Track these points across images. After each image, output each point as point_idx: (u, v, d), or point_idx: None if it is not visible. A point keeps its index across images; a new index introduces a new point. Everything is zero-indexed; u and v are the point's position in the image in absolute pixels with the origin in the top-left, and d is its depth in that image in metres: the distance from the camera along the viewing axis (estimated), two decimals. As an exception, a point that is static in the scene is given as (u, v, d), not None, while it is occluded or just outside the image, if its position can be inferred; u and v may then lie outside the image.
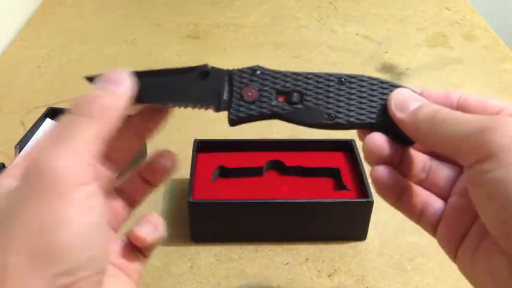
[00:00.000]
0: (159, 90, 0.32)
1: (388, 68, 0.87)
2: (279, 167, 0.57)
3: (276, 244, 0.55)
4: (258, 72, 0.32)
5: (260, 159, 0.57)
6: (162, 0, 1.07)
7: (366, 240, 0.56)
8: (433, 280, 0.52)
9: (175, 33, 0.96)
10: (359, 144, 0.60)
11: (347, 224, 0.54)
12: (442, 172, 0.34)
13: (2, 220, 0.24)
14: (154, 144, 0.69)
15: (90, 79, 0.31)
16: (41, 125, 0.60)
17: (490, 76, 0.85)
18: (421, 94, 0.33)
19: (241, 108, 0.32)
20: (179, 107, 0.33)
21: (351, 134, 0.72)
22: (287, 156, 0.58)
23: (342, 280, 0.52)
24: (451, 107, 0.32)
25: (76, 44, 0.92)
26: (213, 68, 0.32)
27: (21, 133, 0.59)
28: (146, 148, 0.66)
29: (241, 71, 0.32)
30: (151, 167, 0.34)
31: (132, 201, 0.34)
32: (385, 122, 0.32)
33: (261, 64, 0.33)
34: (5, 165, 0.55)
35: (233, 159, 0.57)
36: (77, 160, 0.25)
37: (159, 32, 0.96)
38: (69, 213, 0.24)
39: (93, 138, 0.26)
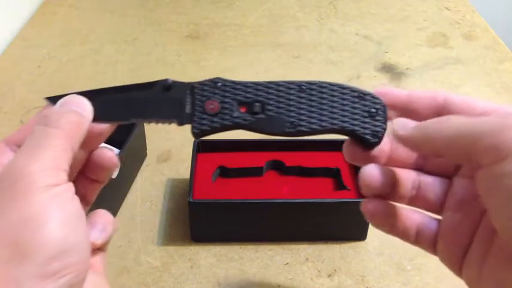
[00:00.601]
0: (121, 107, 0.32)
1: (388, 68, 0.87)
2: (279, 167, 0.57)
3: (276, 244, 0.55)
4: (219, 84, 0.32)
5: (260, 159, 0.57)
6: (162, 0, 1.07)
7: (366, 240, 0.56)
8: (433, 280, 0.52)
9: (175, 33, 0.96)
10: (359, 144, 0.60)
11: (347, 224, 0.54)
12: (432, 187, 0.33)
13: None
14: (154, 144, 0.69)
15: (52, 100, 0.32)
16: (41, 125, 0.60)
17: (490, 76, 0.85)
18: (408, 95, 0.32)
19: (204, 121, 0.32)
20: (143, 123, 0.33)
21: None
22: (287, 156, 0.58)
23: (342, 280, 0.52)
24: (438, 107, 0.31)
25: (76, 44, 0.92)
26: (174, 81, 0.33)
27: (21, 133, 0.59)
28: (146, 148, 0.66)
29: (202, 83, 0.33)
30: (94, 165, 0.34)
31: (86, 201, 0.35)
32: (348, 127, 0.32)
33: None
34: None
35: (233, 159, 0.57)
36: (48, 164, 0.27)
37: (159, 32, 0.96)
38: (44, 208, 0.26)
39: (63, 147, 0.28)
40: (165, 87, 0.33)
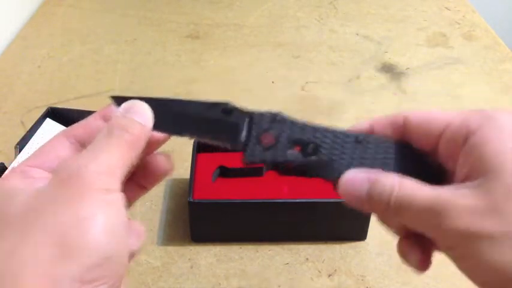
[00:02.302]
0: (178, 121, 0.32)
1: (388, 68, 0.87)
2: (279, 167, 0.57)
3: (276, 244, 0.55)
4: (278, 118, 0.32)
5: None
6: (162, 0, 1.07)
7: (366, 240, 0.56)
8: (433, 280, 0.52)
9: (175, 33, 0.96)
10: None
11: (347, 224, 0.54)
12: None
13: (32, 216, 0.25)
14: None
15: (116, 100, 0.31)
16: (41, 125, 0.60)
17: (490, 76, 0.85)
18: (370, 125, 0.32)
19: (256, 152, 0.32)
20: (194, 139, 0.33)
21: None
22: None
23: (342, 280, 0.52)
24: (399, 129, 0.31)
25: (76, 44, 0.92)
26: (235, 107, 0.33)
27: (21, 133, 0.59)
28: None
29: (262, 114, 0.32)
30: (147, 172, 0.34)
31: (128, 206, 0.34)
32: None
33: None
34: (5, 165, 0.56)
35: (233, 159, 0.57)
36: (107, 170, 0.27)
37: (159, 32, 0.96)
38: (96, 211, 0.25)
39: (124, 156, 0.28)
40: (225, 110, 0.32)
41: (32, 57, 0.88)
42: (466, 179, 0.27)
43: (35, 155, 0.30)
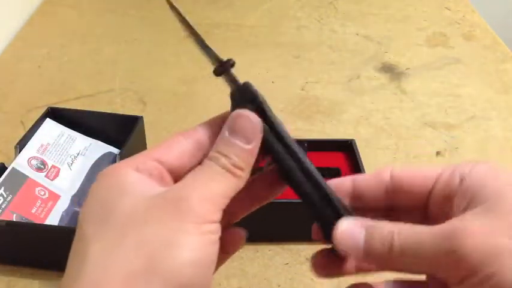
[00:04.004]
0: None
1: (388, 68, 0.87)
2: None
3: (276, 244, 0.55)
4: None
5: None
6: (162, 0, 1.07)
7: (366, 240, 0.55)
8: (433, 280, 0.52)
9: (175, 33, 0.96)
10: (359, 144, 0.60)
11: (347, 224, 0.54)
12: None
13: (135, 223, 0.26)
14: (154, 144, 0.69)
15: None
16: (41, 125, 0.60)
17: (490, 76, 0.85)
18: (352, 181, 0.32)
19: None
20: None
21: (350, 134, 0.72)
22: (287, 156, 0.57)
23: (341, 280, 0.52)
24: (385, 186, 0.31)
25: (76, 44, 0.92)
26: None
27: (21, 133, 0.59)
28: (146, 148, 0.66)
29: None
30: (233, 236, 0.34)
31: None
32: None
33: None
34: (5, 165, 0.56)
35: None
36: (211, 199, 0.27)
37: (159, 32, 0.96)
38: (189, 241, 0.25)
39: (226, 188, 0.28)
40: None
41: (32, 57, 0.88)
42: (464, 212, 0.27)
43: (156, 148, 0.29)
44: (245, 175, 0.29)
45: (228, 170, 0.28)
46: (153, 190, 0.27)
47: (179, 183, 0.27)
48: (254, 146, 0.29)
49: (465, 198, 0.27)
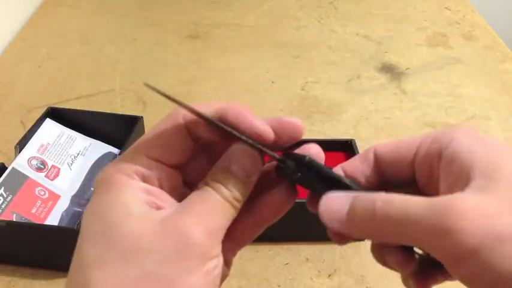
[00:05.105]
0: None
1: (388, 68, 0.87)
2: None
3: (276, 244, 0.55)
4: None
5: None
6: (162, 0, 1.07)
7: (366, 240, 0.56)
8: (433, 280, 0.52)
9: (175, 33, 0.96)
10: (359, 144, 0.60)
11: (347, 224, 0.54)
12: None
13: (138, 251, 0.25)
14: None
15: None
16: (41, 125, 0.60)
17: (490, 76, 0.85)
18: (342, 169, 0.32)
19: None
20: None
21: (350, 134, 0.72)
22: (287, 156, 0.57)
23: (342, 280, 0.52)
24: (372, 165, 0.31)
25: (76, 44, 0.92)
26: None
27: (21, 133, 0.59)
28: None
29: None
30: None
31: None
32: None
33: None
34: (5, 165, 0.56)
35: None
36: (214, 233, 0.26)
37: (159, 32, 0.96)
38: (195, 282, 0.25)
39: (226, 224, 0.28)
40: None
41: (32, 57, 0.88)
42: (452, 189, 0.25)
43: (154, 143, 0.28)
44: (240, 206, 0.29)
45: (228, 201, 0.28)
46: (152, 212, 0.26)
47: (179, 208, 0.26)
48: (254, 179, 0.29)
49: (450, 173, 0.26)
